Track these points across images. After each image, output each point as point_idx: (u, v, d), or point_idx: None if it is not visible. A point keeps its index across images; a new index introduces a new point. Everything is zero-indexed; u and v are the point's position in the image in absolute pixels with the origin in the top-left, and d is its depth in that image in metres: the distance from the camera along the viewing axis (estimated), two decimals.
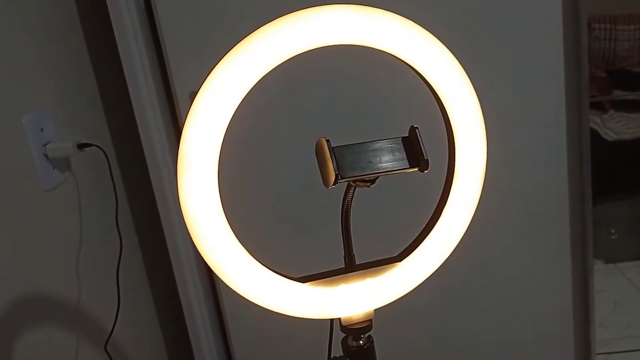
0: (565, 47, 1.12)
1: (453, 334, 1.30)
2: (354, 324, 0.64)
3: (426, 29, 0.59)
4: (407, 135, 0.56)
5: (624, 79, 3.02)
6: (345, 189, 0.59)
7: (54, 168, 0.99)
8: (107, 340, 1.02)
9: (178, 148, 0.55)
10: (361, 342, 0.64)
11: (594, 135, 2.59)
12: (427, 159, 0.54)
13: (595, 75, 3.09)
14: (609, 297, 2.31)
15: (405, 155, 0.55)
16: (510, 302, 1.28)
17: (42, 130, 0.96)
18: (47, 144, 0.97)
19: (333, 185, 0.53)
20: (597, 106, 2.82)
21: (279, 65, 0.55)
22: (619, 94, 2.94)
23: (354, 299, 0.62)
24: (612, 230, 2.47)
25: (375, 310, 0.64)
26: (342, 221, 0.62)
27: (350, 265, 0.63)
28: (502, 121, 1.13)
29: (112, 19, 1.08)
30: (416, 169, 0.55)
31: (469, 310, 1.28)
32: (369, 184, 0.56)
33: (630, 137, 2.57)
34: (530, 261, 1.26)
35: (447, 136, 0.62)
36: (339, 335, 0.66)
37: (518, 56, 1.13)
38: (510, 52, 1.13)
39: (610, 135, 2.59)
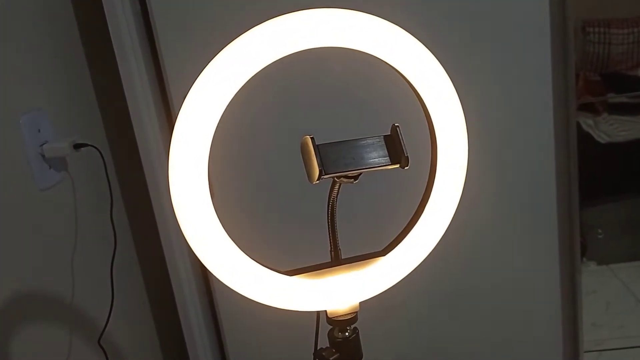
0: (552, 50, 1.13)
1: (441, 334, 1.31)
2: (339, 316, 0.66)
3: (411, 32, 0.61)
4: (389, 133, 0.58)
5: (618, 82, 3.04)
6: (330, 185, 0.62)
7: (50, 168, 1.00)
8: (101, 334, 1.04)
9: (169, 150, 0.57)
10: (347, 333, 0.66)
11: (587, 137, 2.62)
12: (408, 156, 0.56)
13: (590, 78, 3.12)
14: (601, 298, 2.33)
15: (387, 153, 0.57)
16: (499, 302, 1.29)
17: (39, 130, 0.98)
18: (43, 144, 0.99)
19: (317, 180, 0.55)
20: (590, 109, 2.85)
21: (267, 66, 0.57)
22: (612, 97, 2.96)
23: (339, 291, 0.64)
24: (599, 231, 2.49)
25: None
26: (328, 216, 0.64)
27: (336, 259, 0.65)
28: (490, 123, 1.15)
29: (108, 21, 1.10)
30: (397, 166, 0.57)
31: (457, 310, 1.29)
32: (352, 180, 0.58)
33: (623, 139, 2.60)
34: (518, 262, 1.26)
35: (430, 135, 0.64)
36: (325, 327, 0.68)
37: (505, 58, 1.14)
38: (497, 54, 1.14)
39: (603, 138, 2.62)
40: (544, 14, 1.11)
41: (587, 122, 2.73)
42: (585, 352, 1.35)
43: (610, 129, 2.67)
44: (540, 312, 1.30)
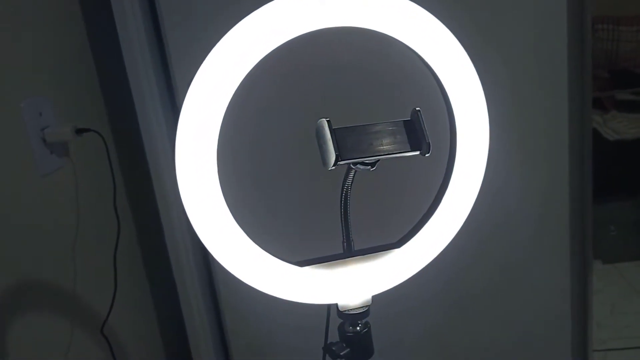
0: (569, 47, 1.11)
1: (451, 333, 1.29)
2: (351, 309, 0.63)
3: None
4: (409, 118, 0.55)
5: (627, 79, 3.02)
6: (345, 172, 0.59)
7: (51, 153, 0.98)
8: (104, 323, 1.02)
9: (176, 134, 0.54)
10: (358, 327, 0.64)
11: (596, 135, 2.59)
12: (429, 143, 0.53)
13: (598, 75, 3.09)
14: (607, 298, 2.31)
15: (407, 138, 0.54)
16: (509, 301, 1.28)
17: (40, 114, 0.96)
18: (45, 128, 0.96)
19: (333, 166, 0.53)
20: (599, 106, 2.82)
21: (279, 48, 0.54)
22: (621, 94, 2.93)
23: (351, 284, 0.61)
24: (612, 227, 2.46)
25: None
26: (341, 206, 0.61)
27: (349, 250, 0.63)
28: (504, 119, 1.12)
29: (112, 4, 1.08)
30: (417, 153, 0.54)
31: (467, 309, 1.28)
32: (369, 167, 0.55)
33: (632, 137, 2.57)
34: (529, 261, 1.25)
35: (449, 122, 0.61)
36: (336, 321, 0.65)
37: (520, 54, 1.12)
38: (513, 50, 1.12)
39: (611, 135, 2.59)
40: (562, 7, 1.09)
41: (596, 119, 2.71)
42: (593, 350, 1.33)
43: (619, 127, 2.64)
44: (550, 311, 1.28)
